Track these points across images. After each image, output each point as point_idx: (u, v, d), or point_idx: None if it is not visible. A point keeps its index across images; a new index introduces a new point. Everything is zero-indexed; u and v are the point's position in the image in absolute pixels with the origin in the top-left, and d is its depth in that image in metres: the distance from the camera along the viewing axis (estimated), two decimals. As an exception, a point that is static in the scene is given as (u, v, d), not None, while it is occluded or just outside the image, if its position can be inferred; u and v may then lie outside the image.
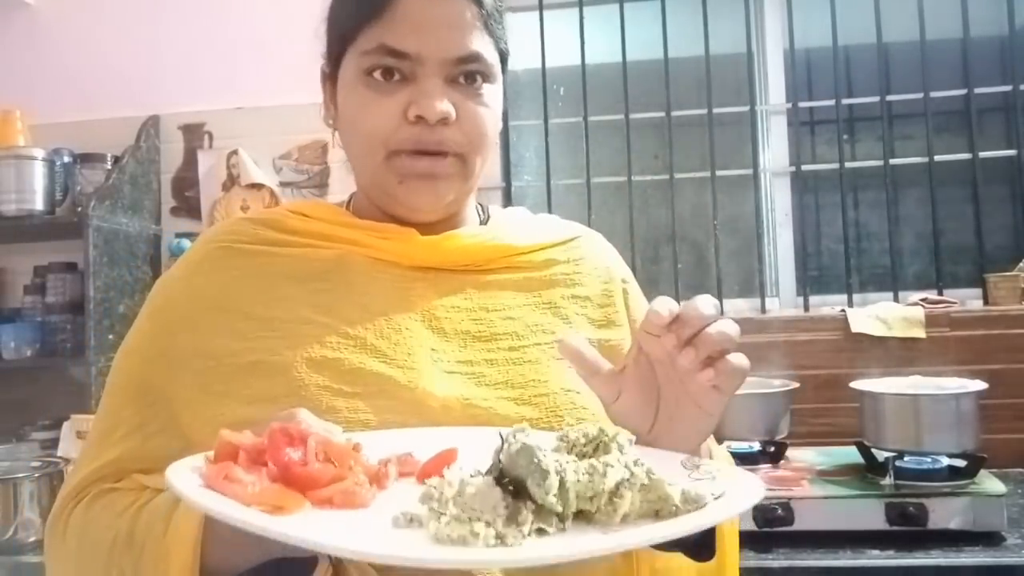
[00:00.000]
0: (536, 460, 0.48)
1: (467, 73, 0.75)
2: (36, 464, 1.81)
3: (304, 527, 0.46)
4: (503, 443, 0.50)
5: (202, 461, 0.53)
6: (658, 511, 0.50)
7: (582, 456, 0.53)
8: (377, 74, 0.74)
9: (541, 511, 0.47)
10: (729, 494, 0.51)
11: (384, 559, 0.42)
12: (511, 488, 0.48)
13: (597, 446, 0.54)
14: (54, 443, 2.01)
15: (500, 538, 0.45)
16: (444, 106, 0.73)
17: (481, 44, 0.75)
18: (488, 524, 0.45)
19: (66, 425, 1.97)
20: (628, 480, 0.49)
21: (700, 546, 0.70)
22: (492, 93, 0.78)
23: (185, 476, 0.51)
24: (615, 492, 0.49)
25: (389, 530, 0.48)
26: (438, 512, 0.47)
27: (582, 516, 0.49)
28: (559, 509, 0.47)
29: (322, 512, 0.50)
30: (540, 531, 0.47)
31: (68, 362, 2.09)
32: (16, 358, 2.10)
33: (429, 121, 0.73)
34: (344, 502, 0.51)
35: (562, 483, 0.47)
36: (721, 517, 0.49)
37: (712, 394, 0.60)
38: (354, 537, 0.45)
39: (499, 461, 0.50)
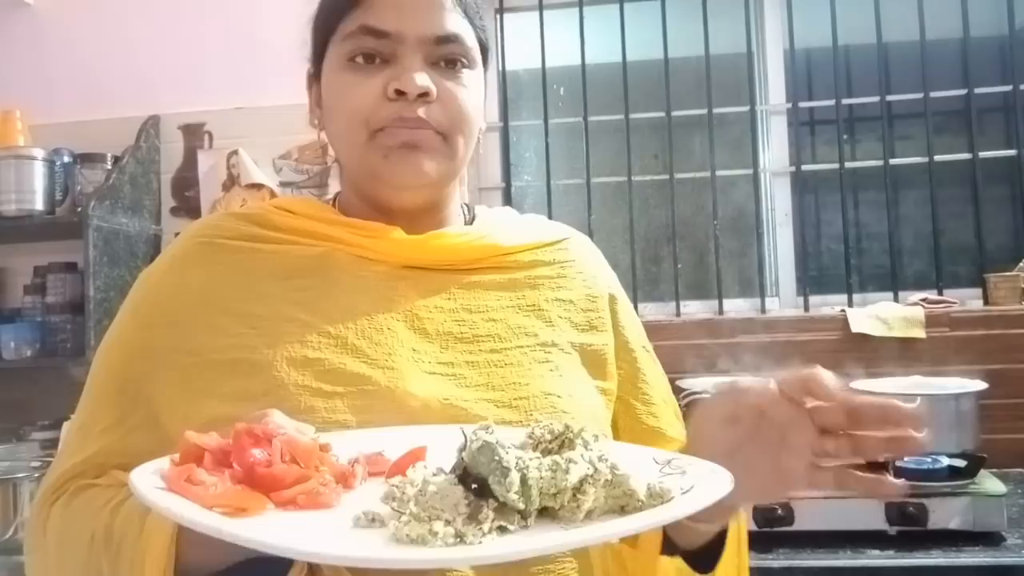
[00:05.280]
0: (497, 458, 0.47)
1: (447, 55, 0.75)
2: (36, 464, 1.81)
3: (259, 529, 0.45)
4: (466, 440, 0.50)
5: (168, 463, 0.52)
6: (623, 506, 0.49)
7: (547, 453, 0.52)
8: (359, 58, 0.75)
9: (503, 509, 0.47)
10: (697, 488, 0.51)
11: (334, 560, 0.42)
12: (475, 486, 0.48)
13: (563, 442, 0.53)
14: (54, 443, 2.01)
15: (459, 537, 0.44)
16: (423, 80, 0.73)
17: (460, 26, 0.76)
18: (448, 523, 0.45)
19: (66, 425, 1.97)
20: (591, 476, 0.49)
21: (704, 555, 0.69)
22: (473, 78, 0.78)
23: (148, 479, 0.50)
24: (578, 488, 0.48)
25: (349, 530, 0.47)
26: (399, 512, 0.47)
27: (546, 513, 0.48)
28: (521, 506, 0.47)
29: (284, 513, 0.49)
30: (502, 529, 0.46)
31: (68, 362, 2.09)
32: (16, 358, 2.10)
33: (409, 95, 0.73)
34: (308, 503, 0.50)
35: (524, 480, 0.47)
36: (682, 513, 0.48)
37: (798, 480, 0.58)
38: (307, 538, 0.44)
39: (462, 459, 0.50)
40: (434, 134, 0.75)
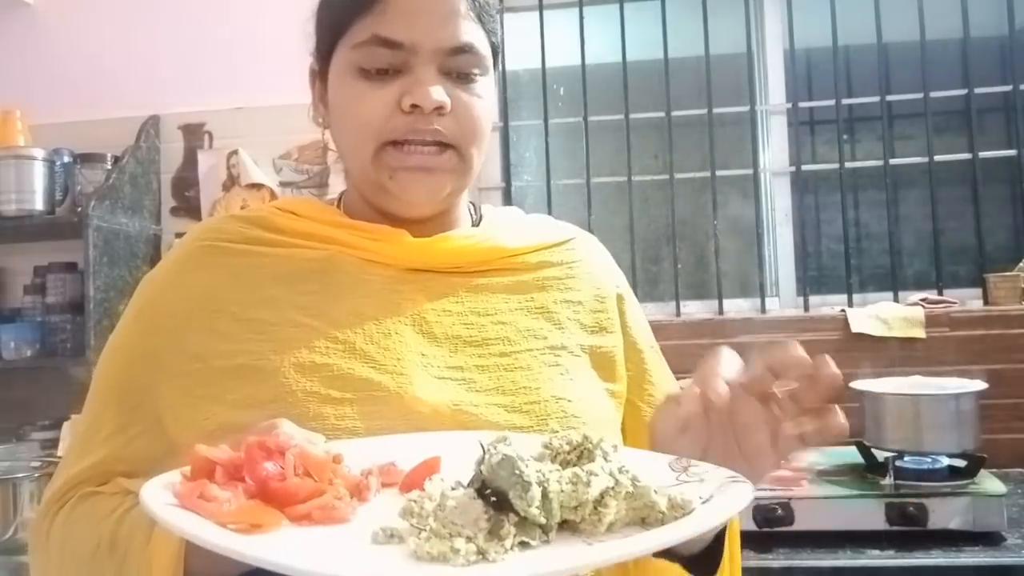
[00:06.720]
0: (518, 471, 0.46)
1: (461, 66, 0.74)
2: (36, 464, 1.81)
3: (277, 547, 0.44)
4: (484, 453, 0.49)
5: (178, 477, 0.52)
6: (644, 518, 0.49)
7: (566, 464, 0.51)
8: (370, 66, 0.73)
9: (524, 523, 0.46)
10: (717, 498, 0.50)
11: None
12: (494, 499, 0.47)
13: (581, 453, 0.52)
14: (54, 443, 2.02)
15: (481, 553, 0.43)
16: (439, 94, 0.72)
17: (474, 35, 0.74)
18: (469, 539, 0.44)
19: (66, 425, 1.98)
20: (613, 488, 0.48)
21: (702, 558, 0.69)
22: (486, 85, 0.77)
23: (159, 495, 0.49)
24: (600, 501, 0.47)
25: (368, 547, 0.46)
26: (418, 528, 0.46)
27: (567, 526, 0.48)
28: (542, 521, 0.46)
29: (300, 529, 0.48)
30: (523, 544, 0.45)
31: (68, 362, 2.09)
32: (16, 358, 2.10)
33: (424, 110, 0.71)
34: (323, 518, 0.49)
35: (545, 494, 0.46)
36: (707, 525, 0.47)
37: (768, 454, 0.59)
38: (329, 557, 0.44)
39: (480, 472, 0.49)
40: (448, 151, 0.74)
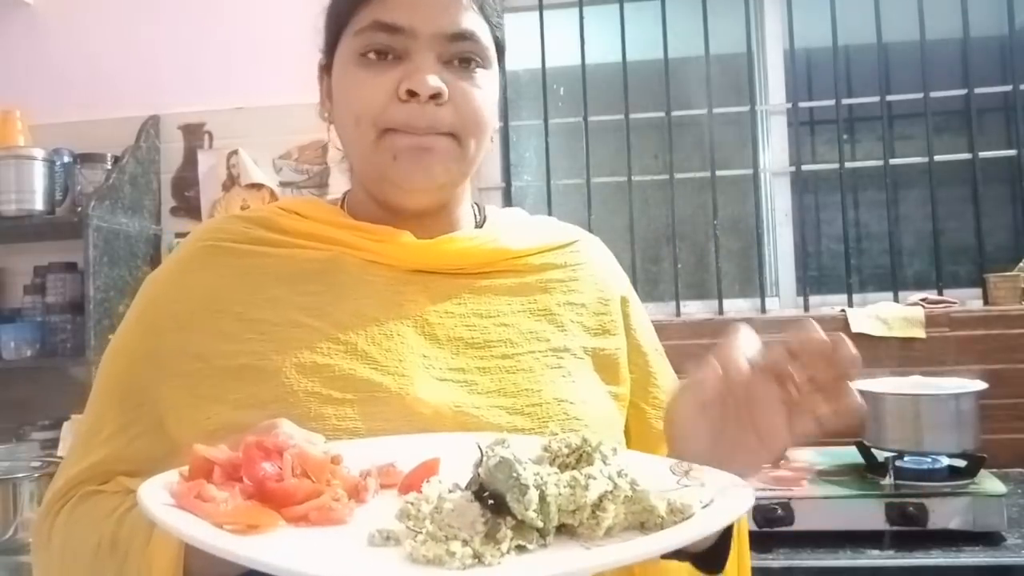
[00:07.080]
0: (515, 475, 0.46)
1: (461, 53, 0.74)
2: (36, 464, 1.81)
3: (272, 548, 0.44)
4: (482, 456, 0.49)
5: (176, 477, 0.51)
6: (643, 522, 0.48)
7: (564, 467, 0.51)
8: (371, 54, 0.73)
9: (521, 526, 0.46)
10: (718, 502, 0.50)
11: None
12: (491, 502, 0.47)
13: (580, 456, 0.52)
14: (54, 443, 2.02)
15: (477, 557, 0.43)
16: (435, 81, 0.71)
17: (475, 24, 0.74)
18: (465, 542, 0.43)
19: (66, 425, 1.98)
20: (611, 492, 0.48)
21: (709, 555, 0.68)
22: (487, 78, 0.76)
23: (157, 495, 0.49)
24: (598, 505, 0.47)
25: (364, 549, 0.46)
26: (414, 530, 0.46)
27: (564, 530, 0.47)
28: (539, 524, 0.46)
29: (297, 530, 0.48)
30: (520, 548, 0.45)
31: (68, 362, 2.09)
32: (16, 358, 2.10)
33: (421, 96, 0.71)
34: (320, 519, 0.49)
35: (543, 497, 0.46)
36: (707, 530, 0.47)
37: (782, 433, 0.59)
38: (323, 559, 0.44)
39: (478, 475, 0.49)
40: (446, 137, 0.74)
